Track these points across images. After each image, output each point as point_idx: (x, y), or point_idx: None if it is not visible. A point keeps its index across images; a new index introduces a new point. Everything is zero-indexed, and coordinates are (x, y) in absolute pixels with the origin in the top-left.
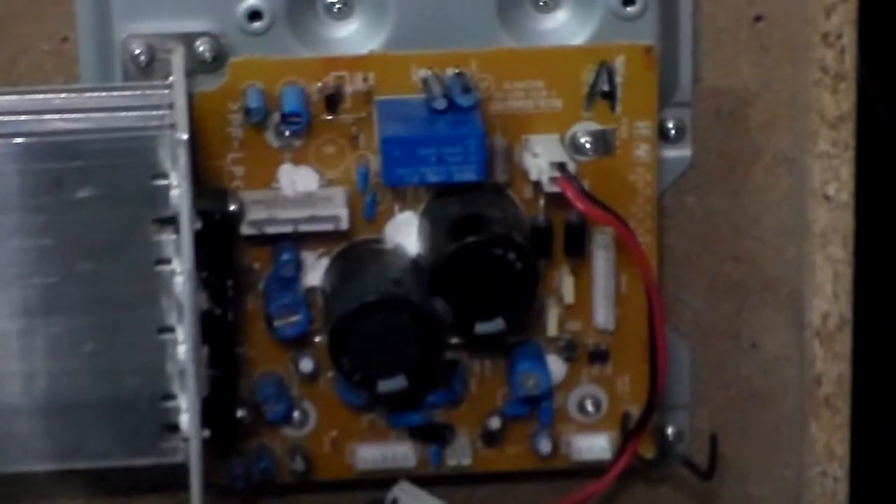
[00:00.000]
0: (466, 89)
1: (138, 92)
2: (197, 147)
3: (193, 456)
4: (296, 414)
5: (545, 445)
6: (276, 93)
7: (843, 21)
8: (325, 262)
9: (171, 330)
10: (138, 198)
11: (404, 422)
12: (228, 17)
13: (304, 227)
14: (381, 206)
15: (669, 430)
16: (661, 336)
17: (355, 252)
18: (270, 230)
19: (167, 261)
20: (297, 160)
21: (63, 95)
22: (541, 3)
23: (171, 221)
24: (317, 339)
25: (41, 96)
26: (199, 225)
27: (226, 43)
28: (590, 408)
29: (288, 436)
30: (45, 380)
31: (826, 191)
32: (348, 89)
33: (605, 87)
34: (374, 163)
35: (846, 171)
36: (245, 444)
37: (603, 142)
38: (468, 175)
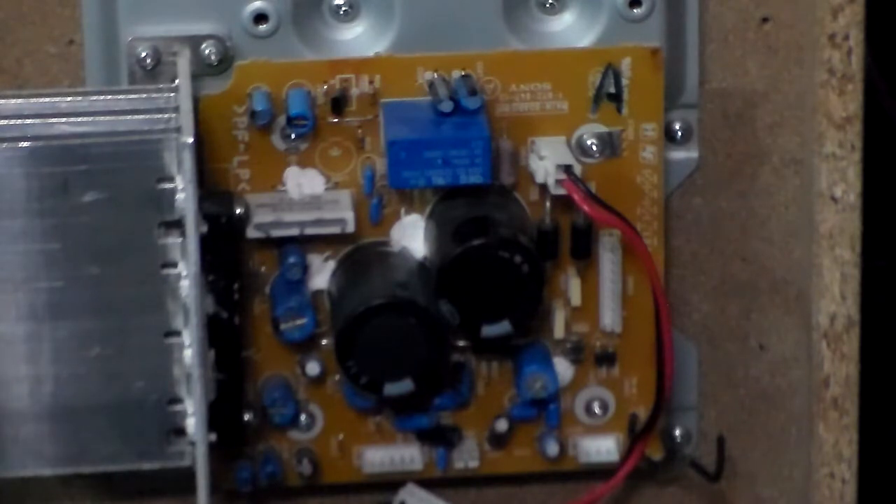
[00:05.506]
0: (472, 91)
1: (144, 95)
2: (202, 150)
3: (200, 460)
4: (302, 417)
5: (552, 448)
6: (281, 95)
7: (849, 22)
8: (331, 265)
9: (178, 334)
10: (144, 201)
11: (411, 425)
12: (234, 19)
13: (310, 230)
14: (388, 209)
15: (677, 432)
16: (668, 338)
17: (361, 255)
18: (276, 233)
19: (173, 264)
20: (303, 163)
21: (69, 99)
22: (547, 5)
23: (177, 225)
24: (323, 342)
25: (47, 100)
26: (204, 228)
27: (231, 46)
28: (597, 410)
29: (295, 439)
30: (51, 384)
31: (833, 192)
32: (354, 92)
33: (612, 89)
34: (380, 165)
35: (853, 173)
36: (252, 447)
37: (609, 144)
38: (474, 178)
